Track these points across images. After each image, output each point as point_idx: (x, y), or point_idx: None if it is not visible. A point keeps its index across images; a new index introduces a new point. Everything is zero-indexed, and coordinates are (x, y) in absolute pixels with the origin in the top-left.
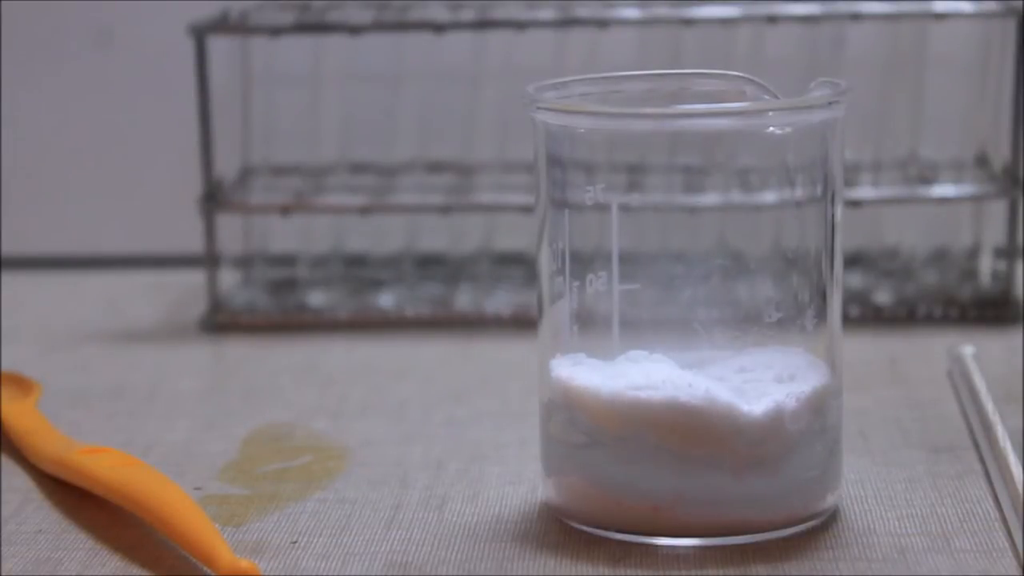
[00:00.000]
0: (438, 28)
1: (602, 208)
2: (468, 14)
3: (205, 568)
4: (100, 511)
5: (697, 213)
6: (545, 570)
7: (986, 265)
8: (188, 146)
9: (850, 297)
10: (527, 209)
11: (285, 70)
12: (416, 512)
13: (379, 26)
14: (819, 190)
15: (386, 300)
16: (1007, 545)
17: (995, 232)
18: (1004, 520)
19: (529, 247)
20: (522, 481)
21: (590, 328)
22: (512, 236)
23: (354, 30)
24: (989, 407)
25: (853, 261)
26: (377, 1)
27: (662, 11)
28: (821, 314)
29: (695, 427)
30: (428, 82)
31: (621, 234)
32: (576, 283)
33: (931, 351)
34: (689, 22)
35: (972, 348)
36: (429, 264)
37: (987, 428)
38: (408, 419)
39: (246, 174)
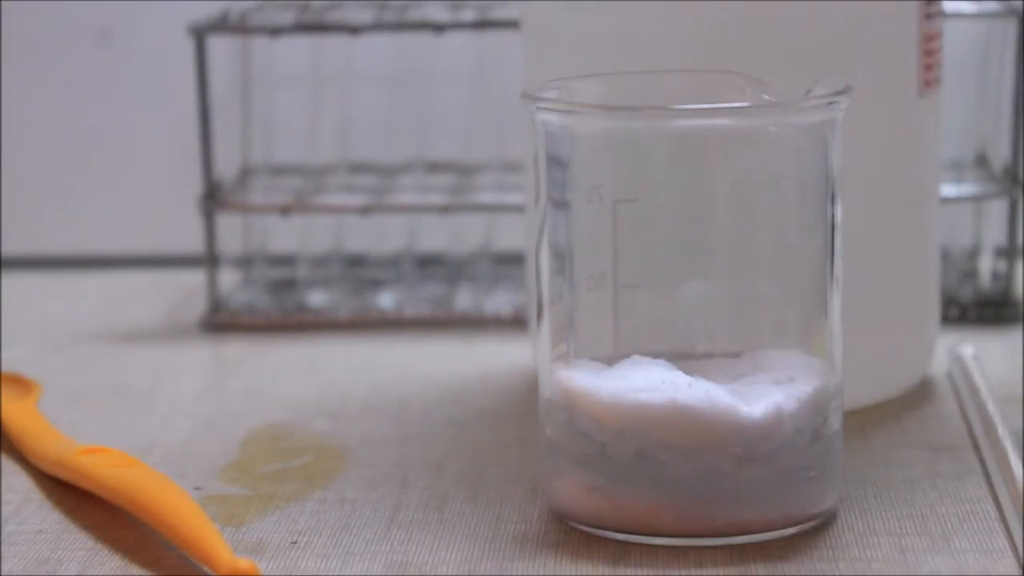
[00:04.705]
0: (438, 28)
1: (602, 208)
2: (468, 14)
3: (205, 568)
4: (100, 511)
5: (697, 213)
6: (545, 570)
7: (986, 265)
8: (188, 146)
9: None
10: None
11: (285, 70)
12: (416, 512)
13: (379, 26)
14: (819, 190)
15: (386, 300)
16: (1007, 545)
17: (995, 232)
18: (1004, 520)
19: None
20: (522, 481)
21: (590, 328)
22: (512, 236)
23: (354, 30)
24: (989, 407)
25: None
26: (377, 1)
27: None
28: (821, 314)
29: (695, 428)
30: (428, 82)
31: (621, 234)
32: (576, 283)
33: None
34: None
35: (972, 348)
36: (429, 264)
37: (987, 428)
38: (408, 419)
39: (246, 174)
